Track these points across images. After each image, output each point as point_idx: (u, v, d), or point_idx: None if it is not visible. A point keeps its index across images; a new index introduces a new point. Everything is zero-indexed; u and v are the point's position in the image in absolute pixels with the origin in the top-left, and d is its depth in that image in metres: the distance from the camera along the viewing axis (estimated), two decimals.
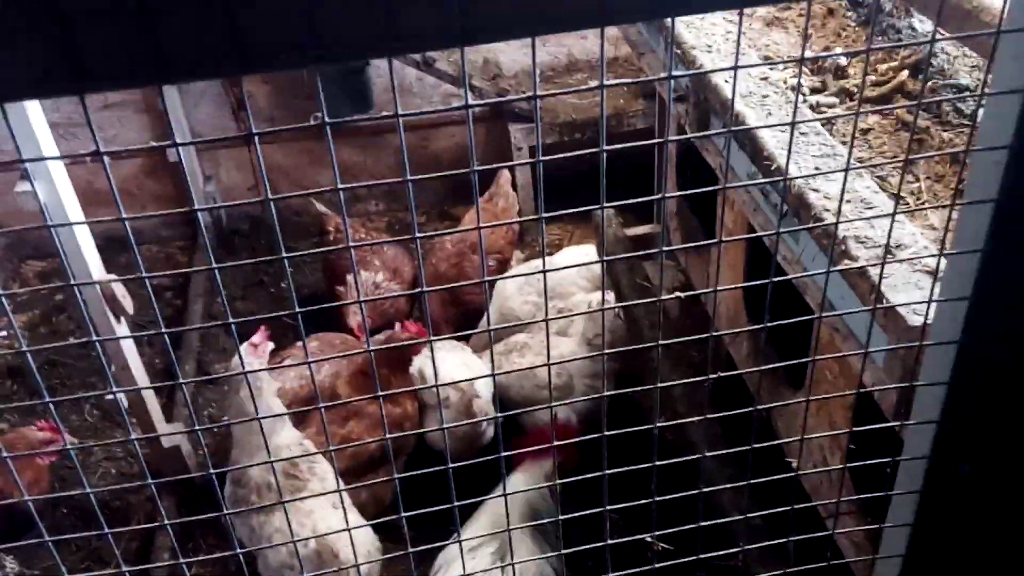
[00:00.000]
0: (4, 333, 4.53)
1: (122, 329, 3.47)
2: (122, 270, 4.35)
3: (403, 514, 1.33)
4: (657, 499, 1.27)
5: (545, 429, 2.95)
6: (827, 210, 1.87)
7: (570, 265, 3.80)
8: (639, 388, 1.29)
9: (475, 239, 4.43)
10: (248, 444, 3.08)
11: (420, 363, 3.64)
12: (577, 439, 1.41)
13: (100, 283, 3.05)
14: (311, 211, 4.64)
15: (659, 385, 1.21)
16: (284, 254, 1.09)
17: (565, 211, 1.13)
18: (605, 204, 1.06)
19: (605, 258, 3.30)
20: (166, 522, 1.36)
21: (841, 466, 1.46)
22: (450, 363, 3.61)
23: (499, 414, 3.50)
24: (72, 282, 2.99)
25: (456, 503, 1.33)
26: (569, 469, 2.51)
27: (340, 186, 1.02)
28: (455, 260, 4.33)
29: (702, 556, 1.38)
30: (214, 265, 1.07)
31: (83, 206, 3.07)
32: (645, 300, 3.22)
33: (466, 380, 3.40)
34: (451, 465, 1.28)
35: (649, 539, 1.40)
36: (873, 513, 2.24)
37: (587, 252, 4.07)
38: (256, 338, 3.20)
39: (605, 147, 1.04)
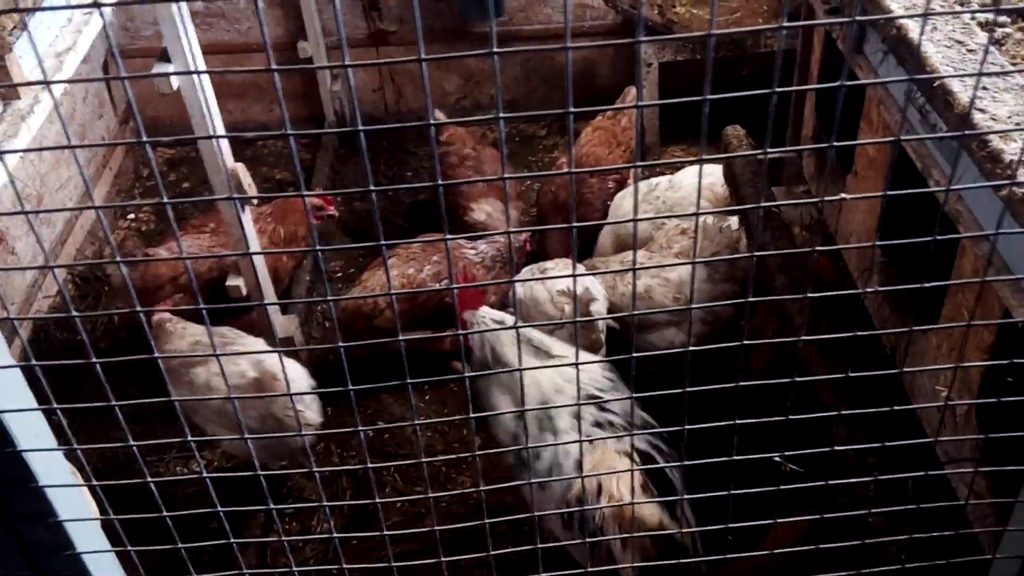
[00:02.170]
0: (133, 215, 4.69)
1: (245, 217, 3.55)
2: (247, 163, 4.44)
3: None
4: (792, 417, 1.21)
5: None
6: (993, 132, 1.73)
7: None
8: (781, 297, 1.22)
9: (593, 163, 4.34)
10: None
11: (521, 288, 3.67)
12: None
13: (229, 169, 3.11)
14: (435, 117, 4.61)
15: (808, 295, 1.14)
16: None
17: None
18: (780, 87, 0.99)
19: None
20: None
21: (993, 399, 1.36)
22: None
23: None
24: (199, 134, 3.08)
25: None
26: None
27: (497, 50, 0.97)
28: (575, 187, 4.25)
29: (831, 482, 1.32)
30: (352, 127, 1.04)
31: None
32: (750, 202, 3.09)
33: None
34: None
35: (778, 459, 1.35)
36: (993, 459, 2.13)
37: (711, 172, 3.92)
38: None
39: (789, 24, 0.96)
